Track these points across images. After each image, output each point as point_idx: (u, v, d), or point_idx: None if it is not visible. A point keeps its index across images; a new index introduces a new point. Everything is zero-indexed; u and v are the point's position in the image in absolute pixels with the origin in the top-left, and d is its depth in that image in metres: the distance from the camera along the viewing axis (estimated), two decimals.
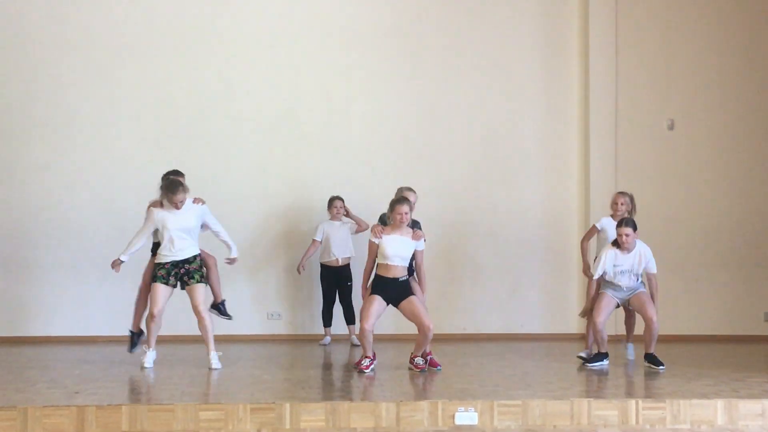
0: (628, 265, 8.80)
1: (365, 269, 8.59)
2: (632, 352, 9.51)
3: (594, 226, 9.78)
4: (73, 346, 10.56)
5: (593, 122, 11.57)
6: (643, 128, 11.75)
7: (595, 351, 9.04)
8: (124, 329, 10.88)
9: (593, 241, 9.89)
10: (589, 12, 11.60)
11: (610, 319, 9.36)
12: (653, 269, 8.92)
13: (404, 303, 8.39)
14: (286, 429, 6.60)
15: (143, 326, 8.95)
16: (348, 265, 10.74)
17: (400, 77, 11.63)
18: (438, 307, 10.30)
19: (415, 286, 8.57)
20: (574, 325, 11.60)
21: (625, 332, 9.79)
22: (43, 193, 11.13)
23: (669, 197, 11.49)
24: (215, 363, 8.57)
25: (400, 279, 8.42)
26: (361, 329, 8.35)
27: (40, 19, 11.21)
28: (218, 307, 9.22)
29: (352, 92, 11.57)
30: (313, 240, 10.88)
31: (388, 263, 8.39)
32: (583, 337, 11.32)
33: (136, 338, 9.20)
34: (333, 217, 10.82)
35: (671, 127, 11.77)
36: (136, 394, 7.13)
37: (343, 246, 10.71)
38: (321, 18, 11.58)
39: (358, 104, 11.57)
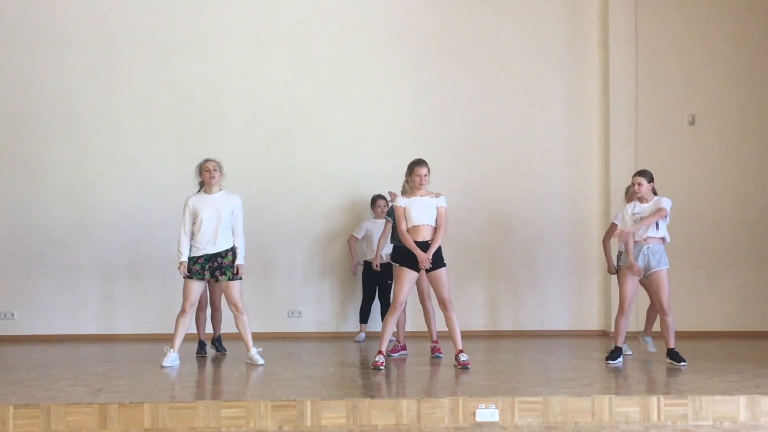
0: (647, 212, 8.74)
1: (400, 232, 8.54)
2: (651, 343, 9.56)
3: (612, 224, 9.71)
4: (96, 344, 10.64)
5: (613, 118, 11.53)
6: (664, 124, 11.70)
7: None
8: (146, 327, 11.05)
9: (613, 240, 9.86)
10: (610, 8, 11.56)
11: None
12: (667, 204, 8.79)
13: (434, 273, 8.43)
14: (307, 426, 6.61)
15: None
16: (390, 263, 10.75)
17: (420, 75, 11.63)
18: (458, 304, 10.26)
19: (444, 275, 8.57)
20: (596, 321, 11.59)
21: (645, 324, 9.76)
22: (65, 192, 11.21)
23: (690, 193, 11.43)
24: (259, 359, 8.64)
25: (430, 242, 8.43)
26: (392, 306, 8.45)
27: (60, 20, 11.29)
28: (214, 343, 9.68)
29: (373, 90, 11.58)
30: (351, 235, 11.01)
31: (415, 224, 8.42)
32: (604, 334, 11.32)
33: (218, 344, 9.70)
34: (377, 216, 10.88)
35: (692, 123, 11.71)
36: (158, 391, 7.15)
37: (387, 243, 10.73)
38: (341, 16, 11.61)
39: (378, 102, 11.58)
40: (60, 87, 11.26)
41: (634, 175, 8.86)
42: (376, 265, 10.53)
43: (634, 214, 8.78)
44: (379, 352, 8.41)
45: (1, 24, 11.24)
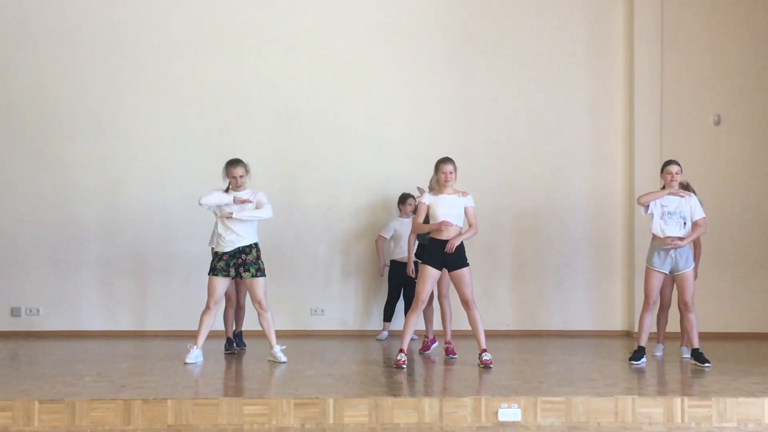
0: (674, 205, 8.70)
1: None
2: (660, 351, 9.47)
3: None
4: (120, 340, 10.69)
5: (638, 118, 11.48)
6: (689, 124, 11.63)
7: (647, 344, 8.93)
8: (170, 324, 11.12)
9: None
10: (635, 6, 11.50)
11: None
12: (700, 214, 8.79)
13: (457, 273, 8.39)
14: (329, 424, 6.62)
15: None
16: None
17: (444, 73, 11.61)
18: (481, 303, 10.27)
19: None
20: (619, 321, 11.55)
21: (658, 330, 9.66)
22: (90, 189, 11.28)
23: (715, 193, 11.34)
24: (282, 357, 8.68)
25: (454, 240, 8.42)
26: (414, 303, 8.44)
27: (86, 20, 11.36)
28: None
29: (397, 89, 11.58)
30: (380, 236, 11.00)
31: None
32: (627, 335, 11.28)
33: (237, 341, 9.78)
34: (404, 214, 10.89)
35: (718, 123, 11.63)
36: (181, 388, 7.18)
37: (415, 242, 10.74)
38: (363, 13, 11.61)
39: (402, 101, 11.58)
40: (86, 87, 11.33)
41: (669, 164, 8.81)
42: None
43: (663, 206, 8.73)
44: (401, 351, 8.41)
45: (28, 26, 11.34)
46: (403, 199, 10.93)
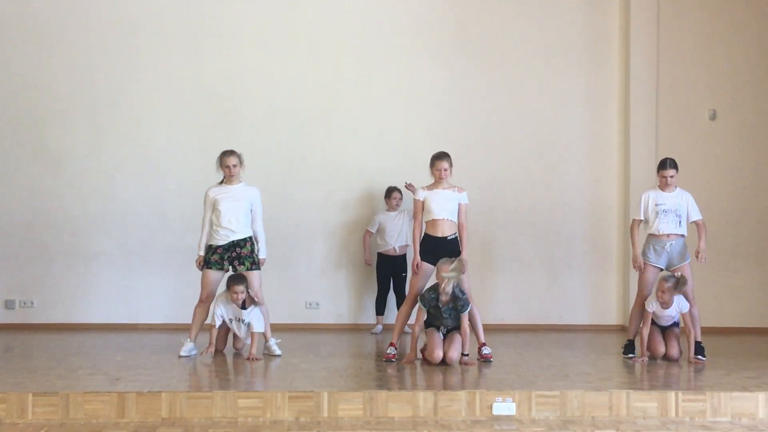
0: (671, 203, 8.69)
1: (413, 234, 8.61)
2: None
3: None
4: (115, 333, 10.69)
5: (634, 113, 11.46)
6: (685, 119, 11.61)
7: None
8: (164, 317, 11.10)
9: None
10: (631, 2, 11.47)
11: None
12: (698, 215, 8.82)
13: None
14: (323, 417, 6.63)
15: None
16: (405, 255, 10.76)
17: (441, 68, 11.58)
18: (476, 297, 10.26)
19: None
20: (614, 316, 11.55)
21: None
22: (86, 182, 11.25)
23: (710, 188, 11.33)
24: (277, 350, 8.69)
25: (449, 237, 8.41)
26: (408, 297, 8.53)
27: (83, 12, 11.33)
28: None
29: (392, 84, 11.54)
30: (366, 230, 11.03)
31: (435, 218, 8.40)
32: (622, 329, 11.29)
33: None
34: (390, 208, 10.90)
35: (713, 118, 11.63)
36: (175, 381, 7.18)
37: (400, 235, 10.76)
38: (361, 8, 11.58)
39: (398, 96, 11.55)
40: (82, 78, 11.30)
41: (666, 168, 8.72)
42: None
43: (657, 204, 8.72)
44: (391, 344, 8.41)
45: (25, 16, 11.29)
46: (389, 192, 10.94)
